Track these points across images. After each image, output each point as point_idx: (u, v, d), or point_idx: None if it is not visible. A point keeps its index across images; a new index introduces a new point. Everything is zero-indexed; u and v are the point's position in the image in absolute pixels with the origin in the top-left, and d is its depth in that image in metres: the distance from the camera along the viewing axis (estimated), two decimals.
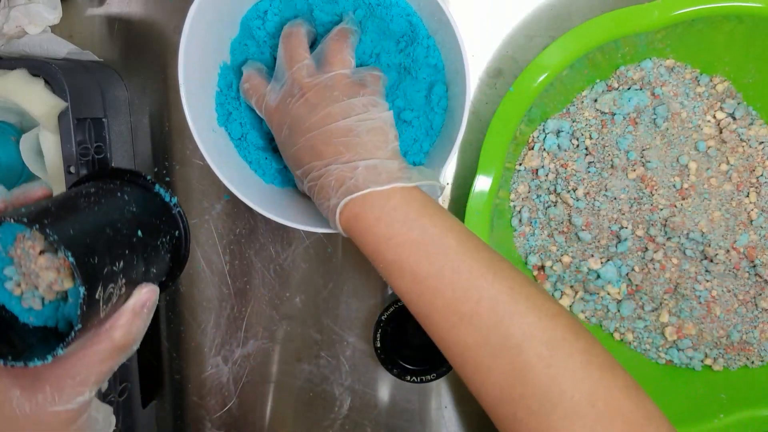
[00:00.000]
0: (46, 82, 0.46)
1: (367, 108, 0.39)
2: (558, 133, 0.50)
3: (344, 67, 0.41)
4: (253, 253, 0.56)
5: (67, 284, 0.30)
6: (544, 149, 0.50)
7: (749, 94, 0.49)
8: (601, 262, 0.50)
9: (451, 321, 0.34)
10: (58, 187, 0.47)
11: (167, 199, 0.36)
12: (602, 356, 0.33)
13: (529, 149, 0.51)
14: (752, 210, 0.49)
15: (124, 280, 0.30)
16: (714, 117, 0.49)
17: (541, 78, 0.45)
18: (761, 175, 0.49)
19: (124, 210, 0.33)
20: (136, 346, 0.32)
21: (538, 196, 0.51)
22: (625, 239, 0.49)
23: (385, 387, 0.57)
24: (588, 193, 0.49)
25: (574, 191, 0.49)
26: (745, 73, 0.49)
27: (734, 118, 0.49)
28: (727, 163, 0.49)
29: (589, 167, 0.49)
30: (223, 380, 0.57)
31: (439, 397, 0.57)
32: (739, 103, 0.49)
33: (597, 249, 0.50)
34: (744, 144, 0.49)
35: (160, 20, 0.54)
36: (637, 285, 0.50)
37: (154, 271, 0.34)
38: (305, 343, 0.57)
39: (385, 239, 0.36)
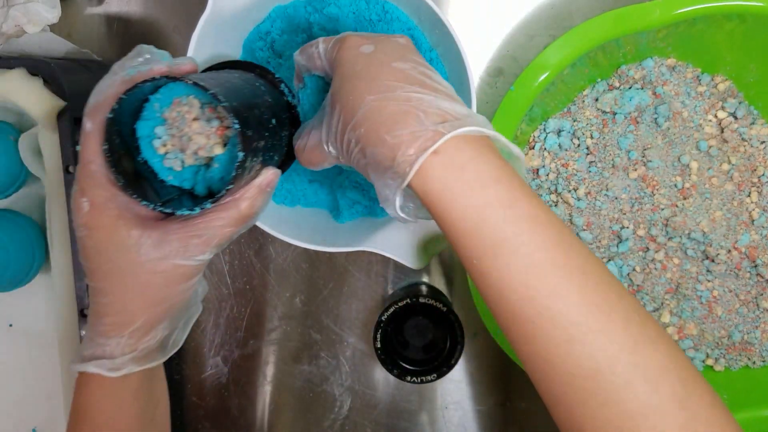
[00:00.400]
0: (45, 81, 0.46)
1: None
2: (559, 132, 0.50)
3: None
4: (253, 253, 0.56)
5: (217, 150, 0.32)
6: (545, 149, 0.50)
7: (750, 93, 0.49)
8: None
9: (567, 334, 0.27)
10: (58, 188, 0.47)
11: (289, 98, 0.39)
12: (717, 396, 0.28)
13: (530, 149, 0.50)
14: (754, 210, 0.49)
15: (260, 159, 0.33)
16: (715, 116, 0.49)
17: (542, 77, 0.45)
18: (762, 175, 0.49)
19: (263, 97, 0.36)
20: (255, 221, 0.35)
21: (539, 196, 0.50)
22: (626, 239, 0.49)
23: (385, 387, 0.57)
24: (589, 192, 0.49)
25: (575, 191, 0.49)
26: (747, 73, 0.49)
27: (736, 118, 0.49)
28: (729, 162, 0.49)
29: (590, 167, 0.49)
30: (223, 380, 0.57)
31: (440, 397, 0.56)
32: (740, 103, 0.49)
33: (598, 249, 0.50)
34: (745, 143, 0.49)
35: (159, 19, 0.53)
36: (638, 285, 0.50)
37: (276, 158, 0.37)
38: (305, 343, 0.57)
39: (504, 205, 0.27)
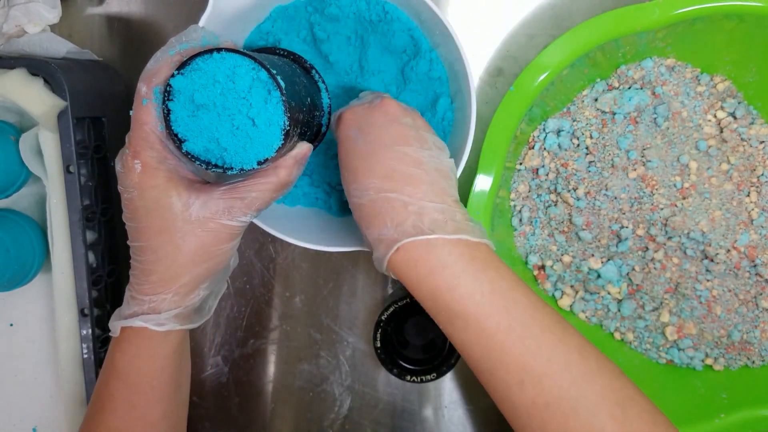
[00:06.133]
0: (46, 81, 0.46)
1: (436, 146, 0.39)
2: (558, 132, 0.50)
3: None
4: (253, 253, 0.56)
5: None
6: (545, 148, 0.50)
7: (750, 93, 0.49)
8: (602, 262, 0.50)
9: (518, 378, 0.33)
10: (59, 188, 0.47)
11: (320, 83, 0.43)
12: (659, 412, 0.33)
13: (530, 148, 0.50)
14: (753, 209, 0.49)
15: (298, 131, 0.37)
16: (715, 116, 0.49)
17: (542, 77, 0.45)
18: (762, 175, 0.49)
19: (300, 77, 0.39)
20: (288, 189, 0.38)
21: (539, 196, 0.51)
22: (626, 239, 0.49)
23: (385, 387, 0.57)
24: (588, 192, 0.49)
25: (575, 191, 0.49)
26: (746, 72, 0.49)
27: (735, 118, 0.49)
28: (728, 162, 0.49)
29: (589, 166, 0.49)
30: (223, 380, 0.57)
31: (439, 397, 0.56)
32: (739, 103, 0.49)
33: (597, 248, 0.50)
34: (745, 143, 0.49)
35: (160, 19, 0.53)
36: (637, 284, 0.50)
37: (308, 134, 0.41)
38: (305, 343, 0.57)
39: (449, 289, 0.34)
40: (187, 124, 0.34)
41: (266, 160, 0.34)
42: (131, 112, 0.36)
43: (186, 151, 0.34)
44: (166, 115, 0.34)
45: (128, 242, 0.37)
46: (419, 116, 0.40)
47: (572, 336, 0.34)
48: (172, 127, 0.34)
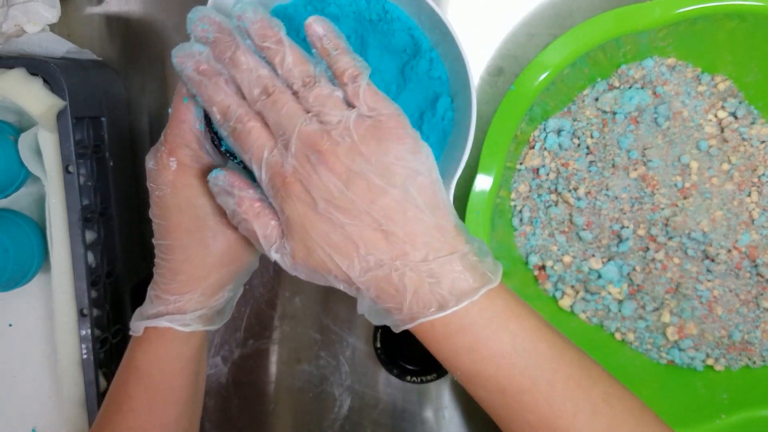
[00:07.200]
0: (45, 81, 0.46)
1: (402, 156, 0.32)
2: (559, 132, 0.50)
3: (346, 108, 0.33)
4: None
5: None
6: (545, 148, 0.50)
7: (751, 93, 0.49)
8: (602, 262, 0.50)
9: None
10: (57, 188, 0.47)
11: None
12: None
13: (530, 148, 0.50)
14: (754, 209, 0.49)
15: None
16: (715, 116, 0.49)
17: (543, 76, 0.45)
18: (763, 174, 0.49)
19: None
20: None
21: (539, 196, 0.50)
22: (627, 239, 0.49)
23: (385, 387, 0.57)
24: (589, 192, 0.49)
25: (575, 191, 0.49)
26: (747, 72, 0.48)
27: (736, 117, 0.49)
28: (729, 162, 0.49)
29: (590, 166, 0.49)
30: (223, 381, 0.57)
31: (440, 397, 0.56)
32: (740, 102, 0.49)
33: (598, 249, 0.50)
34: (746, 143, 0.49)
35: (159, 18, 0.53)
36: (638, 285, 0.50)
37: None
38: (305, 343, 0.56)
39: (468, 350, 0.32)
40: None
41: None
42: (169, 110, 0.36)
43: (225, 150, 0.34)
44: (205, 112, 0.34)
45: (154, 240, 0.37)
46: (361, 131, 0.32)
47: (597, 381, 0.33)
48: (212, 126, 0.34)
